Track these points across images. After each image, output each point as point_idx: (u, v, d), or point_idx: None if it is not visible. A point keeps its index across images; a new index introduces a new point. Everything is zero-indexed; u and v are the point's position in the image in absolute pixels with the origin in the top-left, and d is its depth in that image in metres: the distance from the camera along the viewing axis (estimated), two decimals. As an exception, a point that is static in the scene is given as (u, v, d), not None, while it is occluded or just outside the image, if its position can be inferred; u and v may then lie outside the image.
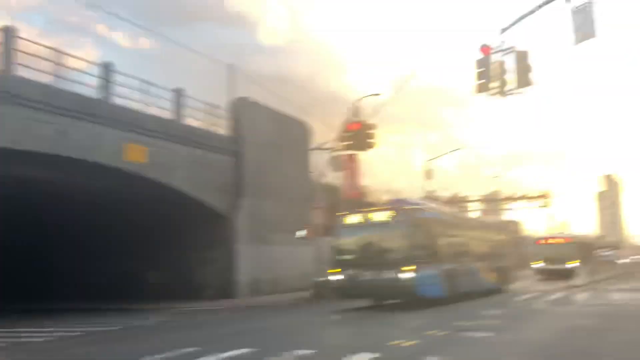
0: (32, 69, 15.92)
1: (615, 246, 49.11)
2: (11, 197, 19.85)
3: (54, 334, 12.63)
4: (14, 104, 14.76)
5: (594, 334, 9.78)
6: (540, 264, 30.92)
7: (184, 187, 19.90)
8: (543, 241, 33.16)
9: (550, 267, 29.99)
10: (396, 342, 9.25)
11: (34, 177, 17.15)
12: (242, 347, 8.79)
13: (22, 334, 13.21)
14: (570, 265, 28.76)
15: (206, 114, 22.23)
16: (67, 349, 10.34)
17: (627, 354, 8.04)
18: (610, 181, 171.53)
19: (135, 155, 18.15)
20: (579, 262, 29.17)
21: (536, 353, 8.12)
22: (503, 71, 13.13)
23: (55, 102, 15.86)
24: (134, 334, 12.47)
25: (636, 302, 16.96)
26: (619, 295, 18.94)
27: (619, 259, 42.59)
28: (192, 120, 21.47)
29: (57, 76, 16.82)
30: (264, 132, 23.85)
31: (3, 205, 18.06)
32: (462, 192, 50.92)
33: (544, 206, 48.78)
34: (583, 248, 31.73)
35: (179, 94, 20.85)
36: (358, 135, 22.99)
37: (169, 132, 19.63)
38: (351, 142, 23.30)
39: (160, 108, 20.16)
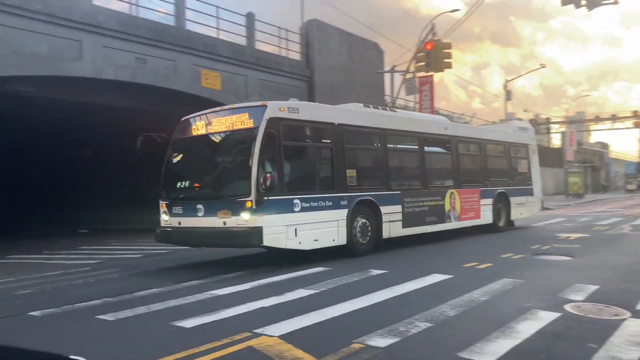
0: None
1: None
2: (90, 124, 20.92)
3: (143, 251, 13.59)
4: (95, 33, 15.27)
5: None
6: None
7: (258, 112, 20.11)
8: None
9: None
10: (470, 264, 9.26)
11: (114, 105, 17.88)
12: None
13: (115, 251, 14.32)
14: None
15: (278, 39, 22.08)
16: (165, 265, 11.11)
17: None
18: None
19: (210, 82, 18.49)
20: None
21: (615, 276, 7.89)
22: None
23: (134, 30, 16.25)
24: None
25: None
26: None
27: None
28: (264, 45, 21.46)
29: (132, 3, 17.13)
30: (335, 55, 23.46)
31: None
32: (545, 114, 48.52)
33: (636, 127, 45.63)
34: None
35: (250, 18, 20.74)
36: (433, 55, 22.05)
37: (241, 57, 19.72)
38: (426, 63, 22.42)
39: (232, 33, 20.24)
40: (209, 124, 10.01)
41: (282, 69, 21.42)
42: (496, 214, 15.42)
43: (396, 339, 4.82)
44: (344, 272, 8.66)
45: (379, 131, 11.88)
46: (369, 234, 10.93)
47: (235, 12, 20.46)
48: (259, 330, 5.20)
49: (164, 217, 10.17)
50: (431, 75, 26.43)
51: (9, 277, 9.63)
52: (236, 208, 8.97)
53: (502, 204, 15.75)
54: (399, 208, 11.81)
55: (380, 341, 4.76)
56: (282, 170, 9.30)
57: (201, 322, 5.73)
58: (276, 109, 9.48)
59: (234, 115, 9.62)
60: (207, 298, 7.11)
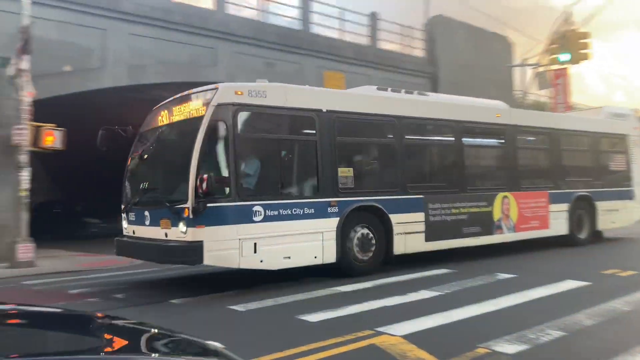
0: (239, 5, 17.26)
1: None
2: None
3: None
4: (227, 40, 16.26)
5: None
6: None
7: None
8: None
9: None
10: (610, 271, 8.56)
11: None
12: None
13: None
14: None
15: (400, 37, 21.95)
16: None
17: None
18: None
19: (334, 83, 18.84)
20: None
21: None
22: None
23: (263, 36, 17.06)
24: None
25: None
26: None
27: None
28: (387, 43, 21.44)
29: (261, 10, 18.00)
30: (460, 51, 22.80)
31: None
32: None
33: None
34: None
35: (373, 18, 20.84)
36: (569, 46, 20.60)
37: (364, 57, 19.88)
38: (561, 55, 21.01)
39: (355, 34, 20.46)
40: (168, 114, 8.23)
41: (405, 67, 21.25)
42: (574, 223, 12.03)
43: (525, 346, 4.60)
44: (470, 274, 8.41)
45: (393, 119, 9.34)
46: (373, 248, 8.70)
47: (358, 13, 20.60)
48: (381, 329, 5.23)
49: (123, 224, 8.69)
50: (565, 68, 24.73)
51: (155, 265, 10.55)
52: (175, 217, 7.24)
53: (584, 211, 12.32)
54: (420, 216, 9.32)
55: (508, 347, 4.58)
56: (237, 170, 7.36)
57: (325, 318, 5.89)
58: (230, 92, 7.53)
59: (189, 102, 7.80)
60: (331, 294, 7.27)
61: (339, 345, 4.78)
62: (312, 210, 8.02)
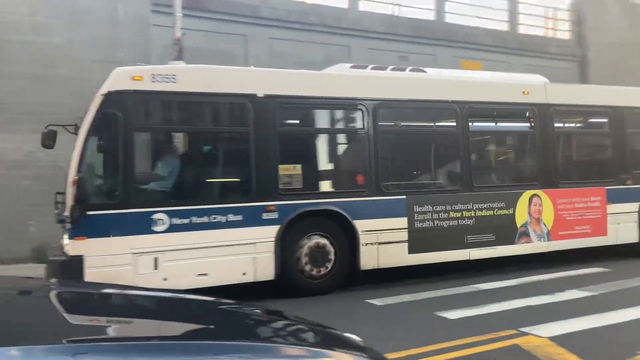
0: (372, 1, 17.33)
1: None
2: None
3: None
4: (359, 37, 16.44)
5: None
6: None
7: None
8: None
9: None
10: None
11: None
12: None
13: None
14: None
15: (544, 19, 20.56)
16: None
17: None
18: None
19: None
20: None
21: None
22: None
23: (395, 30, 17.00)
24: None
25: None
26: None
27: None
28: (529, 28, 20.21)
29: (394, 4, 17.92)
30: (614, 30, 20.76)
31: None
32: None
33: None
34: None
35: (513, 2, 19.77)
36: None
37: (503, 44, 18.91)
38: None
39: (494, 20, 19.57)
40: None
41: (548, 50, 19.86)
42: None
43: (696, 357, 4.10)
44: (627, 274, 7.68)
45: (363, 103, 7.49)
46: (331, 262, 7.17)
47: (496, -2, 19.68)
48: (525, 329, 4.98)
49: None
50: None
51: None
52: (65, 227, 6.36)
53: None
54: (400, 222, 7.52)
55: (674, 356, 4.11)
56: (128, 171, 6.29)
57: (465, 315, 5.74)
58: (124, 77, 6.35)
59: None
60: (471, 291, 7.06)
61: (480, 344, 4.64)
62: (240, 217, 6.66)
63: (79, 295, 2.30)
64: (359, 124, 7.63)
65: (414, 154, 8.39)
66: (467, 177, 8.11)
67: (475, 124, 8.39)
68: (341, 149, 8.11)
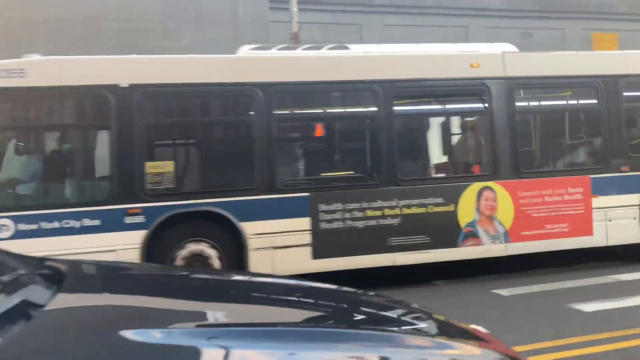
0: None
1: None
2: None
3: None
4: (477, 16, 15.76)
5: None
6: None
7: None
8: None
9: None
10: None
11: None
12: None
13: None
14: None
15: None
16: None
17: None
18: None
19: (605, 45, 16.77)
20: None
21: None
22: None
23: (518, 5, 16.12)
24: None
25: None
26: None
27: None
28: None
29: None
30: None
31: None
32: None
33: None
34: None
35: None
36: None
37: (642, 11, 17.19)
38: None
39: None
40: None
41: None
42: None
43: None
44: None
45: (253, 89, 6.57)
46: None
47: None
48: (674, 326, 4.53)
49: None
50: None
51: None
52: None
53: None
54: (302, 223, 6.53)
55: None
56: None
57: (602, 308, 5.35)
58: None
59: None
60: (609, 282, 6.55)
61: (618, 339, 4.30)
62: (98, 222, 6.01)
63: (203, 281, 2.44)
64: (249, 112, 6.77)
65: (322, 144, 7.27)
66: (389, 169, 6.88)
67: (403, 106, 7.23)
68: (226, 142, 7.15)
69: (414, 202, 6.83)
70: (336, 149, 7.26)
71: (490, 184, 7.07)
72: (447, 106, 7.54)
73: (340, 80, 6.88)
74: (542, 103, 7.79)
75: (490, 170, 7.18)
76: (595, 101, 7.55)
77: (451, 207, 6.92)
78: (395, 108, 6.97)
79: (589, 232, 7.28)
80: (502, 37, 15.85)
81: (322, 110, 7.33)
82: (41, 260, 2.11)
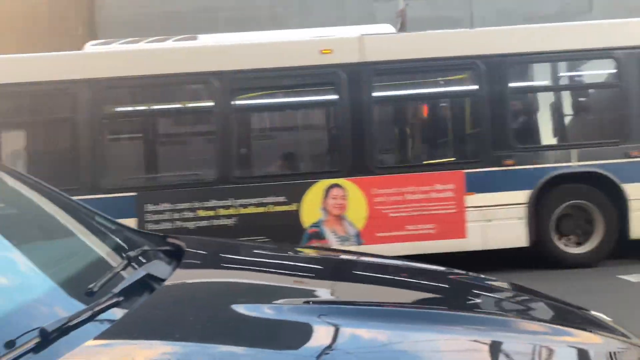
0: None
1: None
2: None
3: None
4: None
5: None
6: None
7: None
8: None
9: None
10: None
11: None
12: None
13: None
14: None
15: None
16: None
17: None
18: None
19: None
20: None
21: None
22: None
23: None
24: None
25: None
26: None
27: None
28: None
29: None
30: None
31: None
32: None
33: None
34: None
35: None
36: None
37: None
38: None
39: None
40: None
41: None
42: (549, 226, 6.58)
43: None
44: None
45: (70, 86, 6.39)
46: None
47: None
48: None
49: None
50: None
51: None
52: None
53: (593, 204, 6.63)
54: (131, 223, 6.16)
55: None
56: None
57: None
58: None
59: None
60: None
61: None
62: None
63: (312, 259, 2.48)
64: (65, 111, 6.57)
65: (148, 142, 6.92)
66: (225, 167, 6.57)
67: (244, 100, 6.80)
68: (43, 140, 6.92)
69: (249, 201, 6.50)
70: (172, 148, 7.16)
71: (339, 181, 6.57)
72: (293, 98, 7.04)
73: (170, 73, 6.55)
74: (409, 90, 7.08)
75: (340, 166, 6.69)
76: (474, 85, 6.78)
77: (293, 207, 6.52)
78: (235, 101, 6.68)
79: (461, 234, 6.56)
80: (631, 1, 14.47)
81: (150, 106, 6.97)
82: (163, 237, 2.25)
